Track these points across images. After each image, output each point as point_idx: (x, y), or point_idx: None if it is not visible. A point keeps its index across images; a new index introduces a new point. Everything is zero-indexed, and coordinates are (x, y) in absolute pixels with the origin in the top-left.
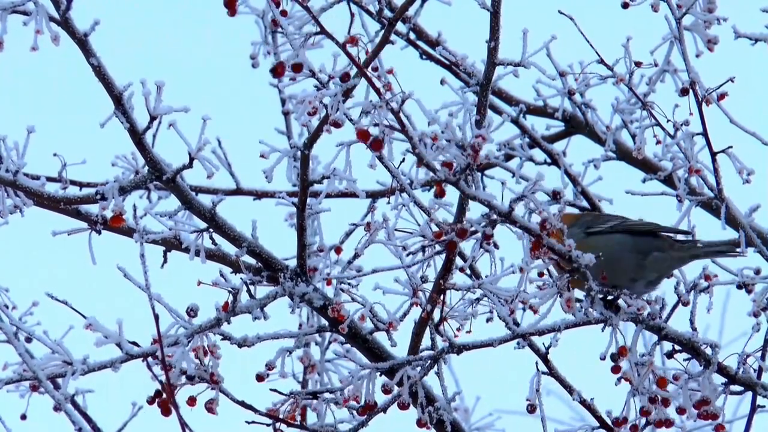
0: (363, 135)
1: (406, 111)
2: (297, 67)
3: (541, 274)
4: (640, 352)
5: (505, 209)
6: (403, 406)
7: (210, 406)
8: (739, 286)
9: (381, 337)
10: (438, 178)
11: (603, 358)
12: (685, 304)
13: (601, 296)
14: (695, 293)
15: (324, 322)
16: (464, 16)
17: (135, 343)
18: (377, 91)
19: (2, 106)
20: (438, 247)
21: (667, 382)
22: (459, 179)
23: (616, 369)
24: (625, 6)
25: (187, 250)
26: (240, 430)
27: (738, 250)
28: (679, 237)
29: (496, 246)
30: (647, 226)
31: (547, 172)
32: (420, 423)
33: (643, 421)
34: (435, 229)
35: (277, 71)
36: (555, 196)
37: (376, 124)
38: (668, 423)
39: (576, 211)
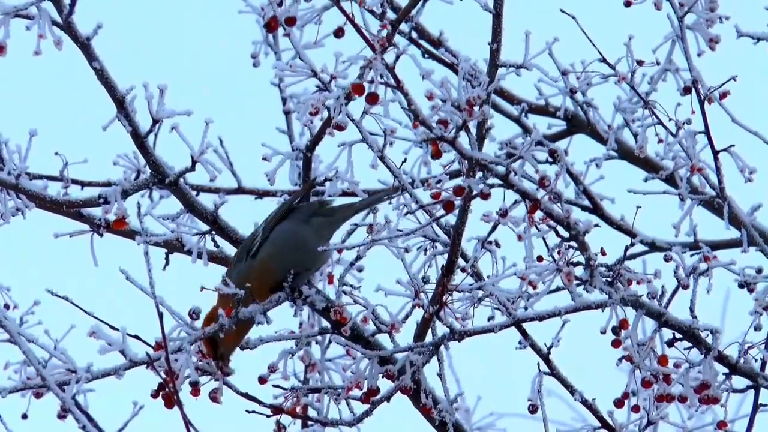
0: (358, 89)
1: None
2: (290, 21)
3: (540, 258)
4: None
5: (502, 171)
6: (406, 391)
7: (214, 395)
8: (740, 285)
9: (383, 339)
10: (434, 135)
11: (603, 332)
12: (685, 287)
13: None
14: (695, 277)
15: (325, 322)
16: (466, 15)
17: (137, 337)
18: (371, 46)
19: (5, 110)
20: (440, 247)
21: (668, 360)
22: (456, 137)
23: (616, 343)
24: (627, 4)
25: (189, 252)
26: (242, 428)
27: (392, 195)
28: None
29: (497, 245)
30: (282, 206)
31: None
32: (426, 410)
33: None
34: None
35: (270, 26)
36: (552, 154)
37: (371, 82)
38: (669, 398)
39: None
